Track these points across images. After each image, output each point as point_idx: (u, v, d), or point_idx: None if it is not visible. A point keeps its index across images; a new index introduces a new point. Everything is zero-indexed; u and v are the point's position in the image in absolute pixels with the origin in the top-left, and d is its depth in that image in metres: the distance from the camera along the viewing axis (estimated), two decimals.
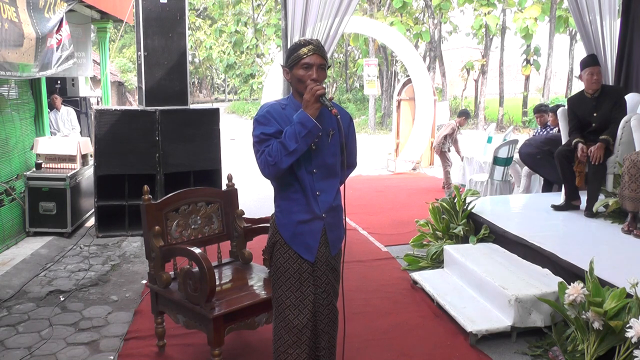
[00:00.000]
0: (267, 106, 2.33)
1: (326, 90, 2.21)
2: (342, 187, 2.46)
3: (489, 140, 8.80)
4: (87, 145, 6.46)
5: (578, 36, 11.48)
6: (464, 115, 8.63)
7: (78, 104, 10.00)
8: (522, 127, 20.47)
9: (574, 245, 4.06)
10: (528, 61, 21.00)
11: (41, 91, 6.40)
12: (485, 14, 19.59)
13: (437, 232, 4.99)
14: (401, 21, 18.95)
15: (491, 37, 22.32)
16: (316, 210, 2.33)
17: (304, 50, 2.24)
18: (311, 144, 2.24)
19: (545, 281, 3.56)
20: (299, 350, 2.36)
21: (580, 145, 4.64)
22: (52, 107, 8.76)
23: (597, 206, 4.64)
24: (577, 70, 23.07)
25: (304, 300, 2.36)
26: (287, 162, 2.19)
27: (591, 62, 4.86)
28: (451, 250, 4.35)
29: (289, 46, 5.27)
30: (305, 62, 2.24)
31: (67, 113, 8.81)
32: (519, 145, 7.16)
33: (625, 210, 4.21)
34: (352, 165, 2.56)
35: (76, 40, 7.77)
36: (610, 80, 5.85)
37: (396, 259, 5.01)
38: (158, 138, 5.74)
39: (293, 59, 2.27)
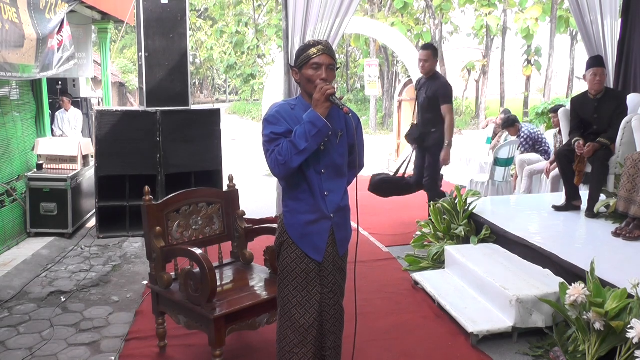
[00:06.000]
0: (277, 106, 2.35)
1: (335, 90, 2.23)
2: (354, 188, 2.47)
3: (488, 140, 8.80)
4: (88, 146, 6.46)
5: (579, 36, 11.46)
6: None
7: (79, 105, 10.03)
8: None
9: (575, 245, 4.06)
10: (529, 61, 20.96)
11: (42, 92, 6.40)
12: (486, 14, 19.55)
13: (438, 233, 4.99)
14: (402, 22, 18.90)
15: (492, 37, 22.28)
16: (324, 210, 2.34)
17: (314, 50, 2.27)
18: (321, 143, 2.26)
19: (547, 282, 3.55)
20: (304, 349, 2.37)
21: (578, 142, 4.67)
22: (60, 107, 8.87)
23: (598, 207, 4.63)
24: (577, 71, 23.07)
25: (311, 299, 2.37)
26: (297, 161, 2.21)
27: (595, 63, 4.87)
28: (452, 250, 4.35)
29: (289, 47, 5.29)
30: (315, 62, 2.26)
31: (74, 115, 8.90)
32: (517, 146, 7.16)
33: (618, 211, 4.20)
34: (360, 166, 2.57)
35: (77, 41, 7.78)
36: (610, 80, 5.84)
37: (397, 259, 5.00)
38: (159, 139, 5.74)
39: (302, 59, 2.29)
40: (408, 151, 10.76)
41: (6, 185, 5.41)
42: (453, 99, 5.51)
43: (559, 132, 6.62)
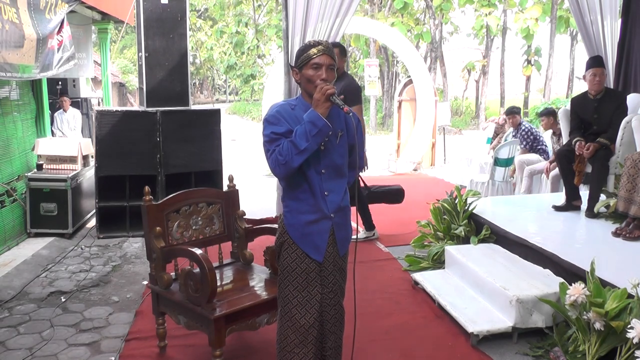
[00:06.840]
0: (277, 106, 2.36)
1: (336, 89, 2.24)
2: (358, 188, 2.48)
3: (488, 141, 8.80)
4: (88, 146, 6.46)
5: (579, 36, 11.46)
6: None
7: (79, 105, 10.03)
8: None
9: (575, 245, 4.06)
10: (529, 61, 20.97)
11: (42, 92, 6.40)
12: (486, 14, 19.56)
13: (438, 233, 4.99)
14: (402, 22, 18.90)
15: (492, 37, 22.30)
16: (325, 210, 2.35)
17: (314, 50, 2.28)
18: (321, 143, 2.27)
19: (547, 282, 3.55)
20: (305, 349, 2.37)
21: (579, 143, 4.67)
22: (60, 107, 8.86)
23: (598, 207, 4.63)
24: (577, 71, 23.07)
25: (311, 299, 2.37)
26: (298, 161, 2.22)
27: (594, 63, 4.88)
28: (452, 250, 4.35)
29: (289, 47, 5.29)
30: (315, 62, 2.27)
31: (72, 116, 8.89)
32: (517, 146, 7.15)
33: (618, 211, 4.21)
34: (360, 166, 2.58)
35: (77, 41, 7.78)
36: (610, 80, 5.84)
37: (397, 259, 5.00)
38: (159, 139, 5.74)
39: (303, 59, 2.30)
40: (409, 151, 10.77)
41: (6, 185, 5.41)
42: (363, 99, 5.21)
43: (554, 133, 6.63)
